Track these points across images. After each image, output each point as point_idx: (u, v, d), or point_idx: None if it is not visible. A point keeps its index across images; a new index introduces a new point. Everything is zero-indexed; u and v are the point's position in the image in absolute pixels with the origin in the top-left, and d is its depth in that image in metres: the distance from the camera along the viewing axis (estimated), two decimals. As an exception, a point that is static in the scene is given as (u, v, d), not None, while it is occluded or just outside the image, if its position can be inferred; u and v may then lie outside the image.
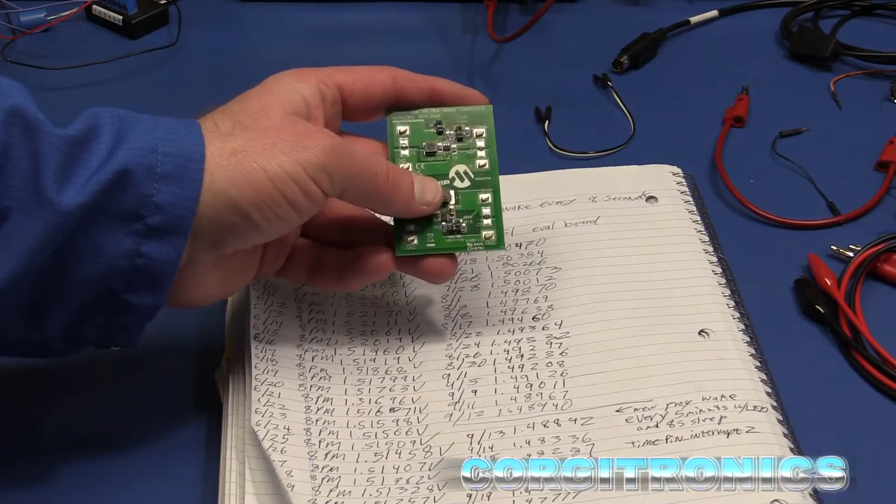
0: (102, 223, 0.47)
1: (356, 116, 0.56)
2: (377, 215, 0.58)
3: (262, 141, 0.50)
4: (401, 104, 0.56)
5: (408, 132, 0.56)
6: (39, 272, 0.47)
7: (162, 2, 0.86)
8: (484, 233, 0.55)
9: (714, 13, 0.87)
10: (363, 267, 0.55)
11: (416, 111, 0.56)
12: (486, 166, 0.56)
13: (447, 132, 0.56)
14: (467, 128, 0.56)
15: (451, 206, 0.56)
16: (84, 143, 0.47)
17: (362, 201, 0.54)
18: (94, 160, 0.46)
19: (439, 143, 0.56)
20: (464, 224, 0.55)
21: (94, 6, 0.85)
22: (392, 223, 0.55)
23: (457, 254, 0.56)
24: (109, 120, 0.48)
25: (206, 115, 0.52)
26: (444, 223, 0.55)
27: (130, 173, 0.47)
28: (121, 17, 0.84)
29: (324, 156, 0.50)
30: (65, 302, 0.49)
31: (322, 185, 0.50)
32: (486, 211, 0.56)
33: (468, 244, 0.55)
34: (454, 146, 0.56)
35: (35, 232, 0.45)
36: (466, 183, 0.56)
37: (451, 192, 0.56)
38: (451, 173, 0.56)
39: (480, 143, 0.56)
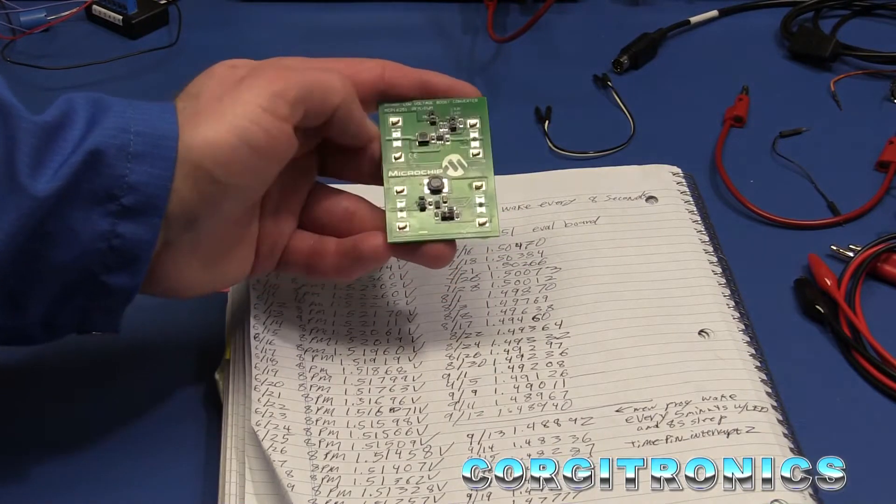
0: (77, 206, 0.47)
1: None
2: (375, 205, 0.57)
3: (209, 98, 0.50)
4: (391, 96, 0.56)
5: (400, 123, 0.56)
6: (16, 257, 0.47)
7: (162, 2, 0.86)
8: (478, 220, 0.55)
9: (714, 13, 0.87)
10: (360, 254, 0.54)
11: (409, 103, 0.56)
12: (480, 155, 0.56)
13: (440, 123, 0.56)
14: (461, 119, 0.56)
15: (445, 194, 0.55)
16: (58, 129, 0.47)
17: (324, 112, 0.52)
18: (67, 145, 0.46)
19: (432, 133, 0.56)
20: (457, 211, 0.55)
21: (94, 6, 0.85)
22: (384, 209, 0.55)
23: (455, 242, 0.55)
24: (83, 105, 0.48)
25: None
26: (437, 210, 0.55)
27: (102, 154, 0.46)
28: (121, 17, 0.84)
29: (269, 83, 0.49)
30: (43, 286, 0.48)
31: (280, 111, 0.49)
32: (480, 199, 0.55)
33: (462, 231, 0.55)
34: (447, 136, 0.56)
35: (10, 218, 0.45)
36: (460, 172, 0.55)
37: (445, 181, 0.55)
38: (445, 162, 0.56)
39: (474, 134, 0.56)
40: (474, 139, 0.56)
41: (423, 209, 0.55)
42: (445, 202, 0.55)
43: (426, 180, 0.55)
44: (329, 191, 0.57)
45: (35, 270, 0.48)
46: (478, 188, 0.55)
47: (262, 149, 0.49)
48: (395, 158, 0.55)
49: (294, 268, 0.56)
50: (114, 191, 0.47)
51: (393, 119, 0.56)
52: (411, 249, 0.55)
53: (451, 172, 0.55)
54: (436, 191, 0.55)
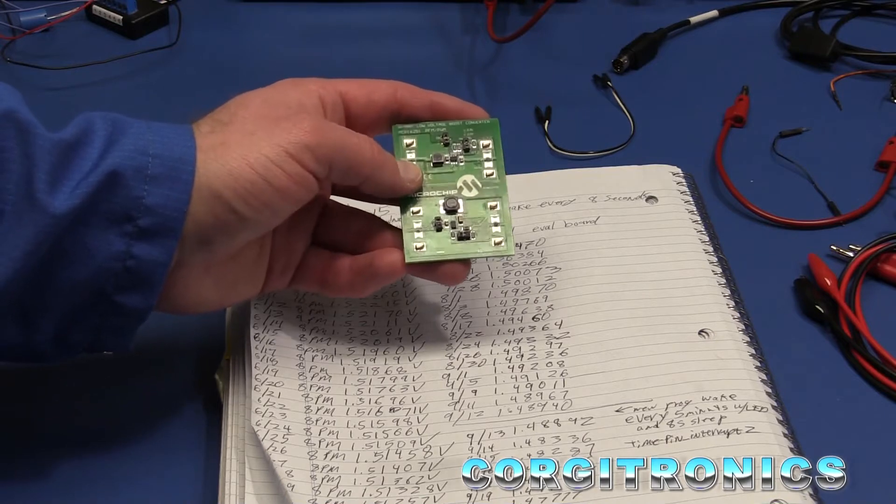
0: (93, 225, 0.47)
1: (358, 127, 0.56)
2: (387, 222, 0.57)
3: (241, 131, 0.50)
4: (402, 117, 0.56)
5: (414, 144, 0.56)
6: (32, 274, 0.47)
7: (162, 2, 0.86)
8: (493, 239, 0.55)
9: (714, 13, 0.87)
10: (376, 270, 0.54)
11: (422, 124, 0.57)
12: (494, 176, 0.56)
13: (453, 144, 0.56)
14: (474, 140, 0.57)
15: (460, 214, 0.55)
16: (76, 147, 0.47)
17: (351, 176, 0.53)
18: (85, 164, 0.47)
19: (446, 154, 0.56)
20: (473, 231, 0.55)
21: (94, 6, 0.85)
22: (401, 227, 0.55)
23: (470, 261, 0.56)
24: (102, 124, 0.48)
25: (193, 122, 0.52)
26: (452, 230, 0.55)
27: (120, 175, 0.47)
28: (121, 17, 0.84)
29: (304, 134, 0.50)
30: (56, 304, 0.49)
31: (307, 164, 0.50)
32: (495, 219, 0.56)
33: (478, 250, 0.55)
34: (461, 156, 0.56)
35: (27, 235, 0.46)
36: (474, 192, 0.56)
37: (460, 201, 0.56)
38: (459, 183, 0.56)
39: (487, 155, 0.57)
40: (487, 160, 0.57)
41: (439, 229, 0.55)
42: (461, 222, 0.55)
43: (441, 201, 0.56)
44: (342, 208, 0.58)
45: (49, 288, 0.48)
46: (492, 208, 0.56)
47: (283, 190, 0.50)
48: None
49: (307, 284, 0.57)
50: (130, 212, 0.47)
51: (407, 140, 0.56)
52: (427, 268, 0.55)
53: (465, 193, 0.56)
54: (451, 211, 0.55)
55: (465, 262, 0.55)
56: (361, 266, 0.55)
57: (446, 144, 0.56)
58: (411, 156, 0.56)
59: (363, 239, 0.56)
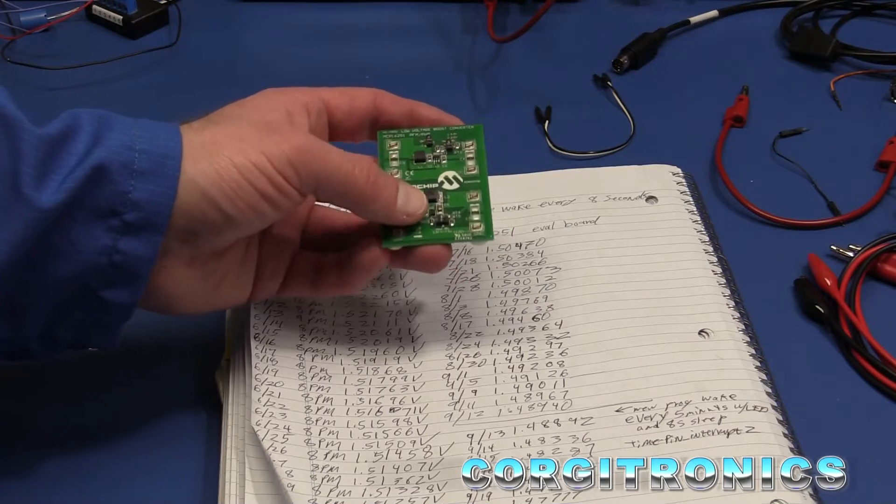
0: (79, 220, 0.47)
1: (342, 133, 0.57)
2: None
3: (230, 133, 0.50)
4: (381, 123, 0.57)
5: (398, 146, 0.56)
6: (18, 268, 0.47)
7: (162, 2, 0.86)
8: (472, 225, 0.55)
9: (714, 13, 0.87)
10: (359, 263, 0.55)
11: (407, 129, 0.57)
12: (476, 172, 0.56)
13: (436, 145, 0.57)
14: (457, 142, 0.57)
15: (440, 204, 0.55)
16: (63, 142, 0.47)
17: (340, 202, 0.54)
18: (72, 159, 0.47)
19: (429, 154, 0.56)
20: (451, 218, 0.55)
21: (94, 6, 0.85)
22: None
23: (453, 247, 0.56)
24: (88, 119, 0.48)
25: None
26: (431, 218, 0.55)
27: (107, 170, 0.47)
28: (121, 17, 0.84)
29: (290, 150, 0.50)
30: (42, 299, 0.49)
31: (289, 179, 0.50)
32: (475, 208, 0.56)
33: (456, 235, 0.55)
34: (444, 154, 0.57)
35: (13, 229, 0.46)
36: (455, 185, 0.56)
37: (440, 193, 0.56)
38: (440, 177, 0.56)
39: (470, 154, 0.57)
40: (470, 158, 0.57)
41: None
42: (440, 210, 0.55)
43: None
44: (327, 210, 0.58)
45: (36, 283, 0.48)
46: (472, 198, 0.56)
47: (267, 196, 0.50)
48: (393, 175, 0.56)
49: (299, 289, 0.57)
50: (116, 207, 0.47)
51: (391, 142, 0.57)
52: (408, 255, 0.55)
53: (446, 186, 0.56)
54: (431, 202, 0.55)
55: (446, 246, 0.55)
56: (345, 261, 0.55)
57: (430, 145, 0.57)
58: (395, 155, 0.56)
59: (347, 238, 0.57)
